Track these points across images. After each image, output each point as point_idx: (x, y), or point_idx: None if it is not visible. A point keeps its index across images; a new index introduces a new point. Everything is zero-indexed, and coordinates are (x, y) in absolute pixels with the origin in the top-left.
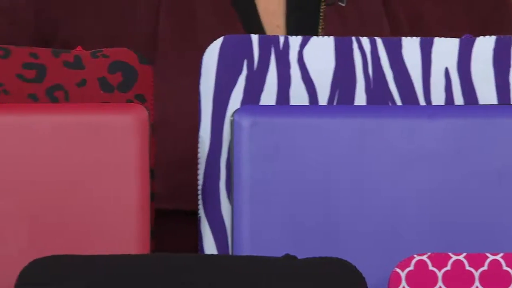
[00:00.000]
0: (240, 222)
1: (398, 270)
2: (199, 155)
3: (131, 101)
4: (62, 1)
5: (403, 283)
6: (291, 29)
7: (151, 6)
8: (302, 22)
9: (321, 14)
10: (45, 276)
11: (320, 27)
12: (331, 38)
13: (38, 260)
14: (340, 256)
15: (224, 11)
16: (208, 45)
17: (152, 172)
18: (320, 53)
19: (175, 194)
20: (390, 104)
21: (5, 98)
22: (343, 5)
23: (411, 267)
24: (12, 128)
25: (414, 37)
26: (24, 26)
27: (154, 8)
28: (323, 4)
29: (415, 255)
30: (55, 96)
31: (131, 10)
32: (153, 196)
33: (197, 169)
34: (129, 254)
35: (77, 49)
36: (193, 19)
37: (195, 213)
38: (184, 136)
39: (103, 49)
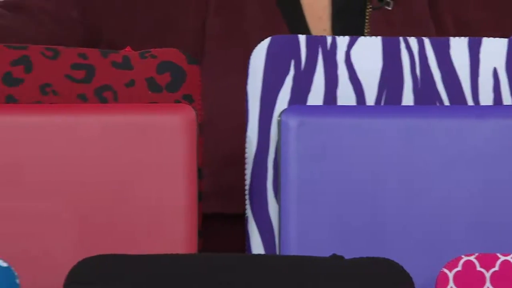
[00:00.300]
0: (287, 222)
1: (445, 270)
2: (246, 155)
3: (179, 102)
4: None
5: (451, 283)
6: (337, 33)
7: (200, 3)
8: (348, 25)
9: (367, 17)
10: (93, 275)
11: (366, 30)
12: (379, 38)
13: (86, 260)
14: (387, 256)
15: (271, 11)
16: (255, 44)
17: (200, 172)
18: (367, 53)
19: (222, 194)
20: (437, 104)
21: (54, 99)
22: (389, 9)
23: (459, 268)
24: (61, 128)
25: (462, 37)
26: (70, 26)
27: (203, 6)
28: (368, 7)
29: (462, 256)
30: (104, 97)
31: (179, 8)
32: (201, 196)
33: (244, 169)
34: (176, 254)
35: (125, 49)
36: (241, 18)
37: (241, 215)
38: (230, 135)
39: (152, 49)
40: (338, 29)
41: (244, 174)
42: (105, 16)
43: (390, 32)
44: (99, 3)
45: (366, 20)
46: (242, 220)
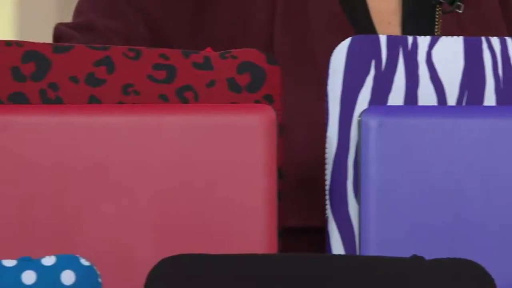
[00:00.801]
0: (367, 222)
1: None
2: (326, 155)
3: (259, 102)
4: (177, 17)
5: None
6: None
7: (267, 16)
8: (419, 30)
9: (437, 21)
10: (173, 275)
11: (436, 34)
12: (460, 38)
13: (167, 259)
14: (468, 257)
15: (337, 17)
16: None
17: (280, 172)
18: (449, 53)
19: (302, 195)
20: None
21: (135, 99)
22: (460, 12)
23: None
24: (142, 129)
25: None
26: (139, 44)
27: (270, 19)
28: (438, 11)
29: None
30: (185, 97)
31: (247, 21)
32: (280, 196)
33: (324, 169)
34: (256, 254)
35: (206, 50)
36: (307, 26)
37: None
38: (300, 147)
39: (232, 50)
40: (408, 34)
41: (324, 175)
42: (173, 33)
43: (462, 35)
44: (167, 20)
45: (436, 24)
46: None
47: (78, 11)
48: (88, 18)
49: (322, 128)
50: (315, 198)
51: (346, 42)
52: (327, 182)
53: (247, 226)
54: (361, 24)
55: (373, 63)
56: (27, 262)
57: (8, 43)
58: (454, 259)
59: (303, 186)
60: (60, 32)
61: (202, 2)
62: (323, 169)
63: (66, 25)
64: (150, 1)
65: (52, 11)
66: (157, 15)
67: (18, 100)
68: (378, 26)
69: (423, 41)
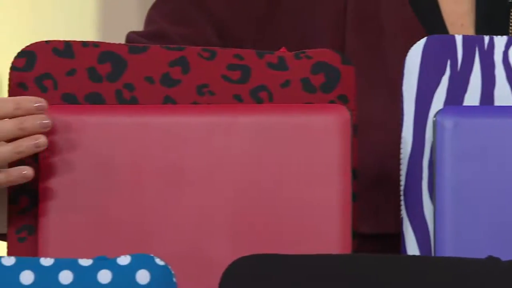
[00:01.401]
0: (442, 223)
1: None
2: (401, 155)
3: (333, 102)
4: (246, 21)
5: None
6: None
7: (338, 21)
8: (493, 31)
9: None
10: (248, 275)
11: (511, 35)
12: None
13: (241, 259)
14: None
15: (409, 19)
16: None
17: (354, 173)
18: None
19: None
20: None
21: (210, 99)
22: None
23: None
24: (218, 129)
25: None
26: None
27: (341, 23)
28: None
29: None
30: (259, 97)
31: (318, 26)
32: (355, 197)
33: (398, 169)
34: (331, 254)
35: (280, 50)
36: (379, 28)
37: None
38: (372, 152)
39: (306, 50)
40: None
41: (399, 175)
42: (241, 37)
43: None
44: (236, 25)
45: (511, 26)
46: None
47: (148, 20)
48: (159, 27)
49: (395, 130)
50: (389, 199)
51: (421, 42)
52: (402, 183)
53: (322, 226)
54: (433, 26)
55: (448, 63)
56: (103, 261)
57: (84, 44)
58: None
59: (377, 187)
60: (132, 41)
61: (271, 6)
62: (397, 170)
63: (137, 33)
64: (219, 6)
65: (134, 13)
66: (226, 20)
67: (94, 100)
68: (450, 28)
69: (500, 41)
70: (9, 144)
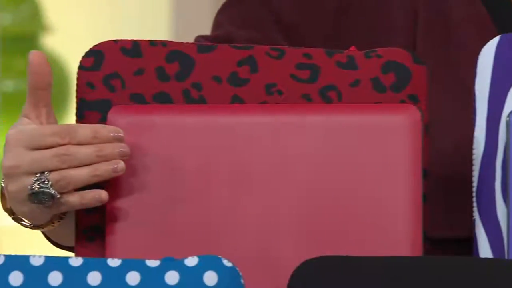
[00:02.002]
0: None
1: None
2: (474, 156)
3: (404, 102)
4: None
5: None
6: None
7: (407, 23)
8: None
9: None
10: (317, 277)
11: None
12: None
13: (310, 261)
14: None
15: (482, 22)
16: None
17: (425, 173)
18: None
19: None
20: None
21: (278, 98)
22: None
23: None
24: (285, 128)
25: None
26: None
27: (411, 25)
28: None
29: None
30: (328, 96)
31: (387, 29)
32: (425, 198)
33: (470, 170)
34: (401, 257)
35: (350, 49)
36: (450, 29)
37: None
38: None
39: (377, 49)
40: None
41: (471, 176)
42: (309, 40)
43: None
44: (304, 28)
45: None
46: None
47: (216, 24)
48: (226, 30)
49: (466, 130)
50: (460, 201)
51: (494, 41)
52: (474, 184)
53: (392, 228)
54: (506, 24)
55: None
56: (170, 263)
57: (152, 43)
58: None
59: (447, 189)
60: None
61: (341, 6)
62: (468, 171)
63: (205, 37)
64: (288, 8)
65: (208, 12)
66: (294, 22)
67: (162, 99)
68: None
69: None
70: (86, 167)
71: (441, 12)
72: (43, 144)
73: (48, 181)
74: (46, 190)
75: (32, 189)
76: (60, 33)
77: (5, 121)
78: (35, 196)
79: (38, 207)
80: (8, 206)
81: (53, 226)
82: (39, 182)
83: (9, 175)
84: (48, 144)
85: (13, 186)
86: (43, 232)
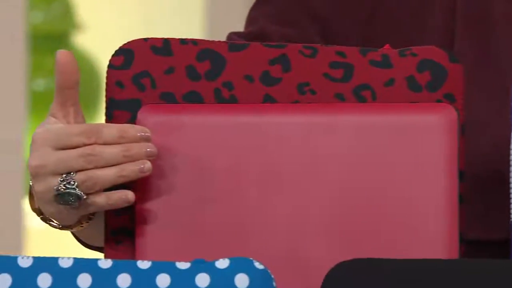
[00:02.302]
0: None
1: None
2: (511, 156)
3: (439, 101)
4: (350, 20)
5: None
6: None
7: (447, 15)
8: None
9: None
10: (350, 280)
11: None
12: None
13: (343, 264)
14: None
15: None
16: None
17: (461, 174)
18: None
19: (485, 198)
20: None
21: (311, 98)
22: None
23: None
24: (318, 128)
25: None
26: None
27: (450, 19)
28: None
29: None
30: (362, 96)
31: (424, 23)
32: (462, 199)
33: (507, 171)
34: (437, 260)
35: (384, 47)
36: (490, 29)
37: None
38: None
39: (412, 47)
40: None
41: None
42: (347, 37)
43: None
44: (340, 25)
45: None
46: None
47: (249, 20)
48: (260, 26)
49: (503, 131)
50: (496, 203)
51: None
52: None
53: (426, 229)
54: None
55: None
56: (201, 265)
57: (183, 41)
58: None
59: (484, 191)
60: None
61: (377, 4)
62: (505, 172)
63: (238, 34)
64: (323, 5)
65: (241, 9)
66: (330, 18)
67: (192, 99)
68: None
69: None
70: (113, 167)
71: (482, 9)
72: (69, 144)
73: (74, 182)
74: (72, 191)
75: (58, 190)
76: (91, 32)
77: (35, 120)
78: (61, 197)
79: (65, 208)
80: (36, 206)
81: (82, 227)
82: (65, 183)
83: (35, 174)
84: (74, 144)
85: (39, 186)
86: (72, 233)
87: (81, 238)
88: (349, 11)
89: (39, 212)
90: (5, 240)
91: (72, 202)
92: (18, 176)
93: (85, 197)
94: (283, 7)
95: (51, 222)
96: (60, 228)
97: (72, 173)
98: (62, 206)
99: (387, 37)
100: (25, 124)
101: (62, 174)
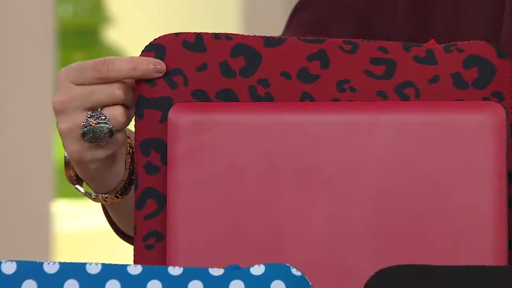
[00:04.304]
0: None
1: None
2: None
3: (487, 99)
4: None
5: None
6: None
7: (494, 3)
8: None
9: None
10: (392, 287)
11: None
12: None
13: (384, 270)
14: None
15: None
16: None
17: (510, 176)
18: None
19: None
20: None
21: (351, 96)
22: None
23: None
24: (359, 128)
25: None
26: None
27: (497, 7)
28: None
29: None
30: (405, 94)
31: (469, 12)
32: (511, 202)
33: None
34: (484, 266)
35: (429, 42)
36: None
37: None
38: None
39: (458, 42)
40: None
41: None
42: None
43: None
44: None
45: None
46: None
47: (285, 29)
48: (294, 34)
49: None
50: None
51: None
52: None
53: (473, 234)
54: None
55: None
56: (235, 271)
57: (216, 36)
58: None
59: None
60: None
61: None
62: None
63: None
64: (359, 4)
65: (278, 10)
66: (367, 18)
67: (226, 97)
68: None
69: None
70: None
71: None
72: (84, 77)
73: (105, 116)
74: (104, 125)
75: (87, 125)
76: (122, 26)
77: None
78: (91, 133)
79: (92, 150)
80: (72, 173)
81: (117, 197)
82: (95, 117)
83: (60, 110)
84: (89, 77)
85: (65, 123)
86: (108, 219)
87: (116, 222)
88: (387, 7)
89: (71, 179)
90: (32, 245)
91: (103, 136)
92: (46, 179)
93: (111, 126)
94: (316, 14)
95: (83, 191)
96: (95, 199)
97: (99, 108)
98: (87, 145)
99: (431, 26)
100: (54, 124)
101: (89, 110)
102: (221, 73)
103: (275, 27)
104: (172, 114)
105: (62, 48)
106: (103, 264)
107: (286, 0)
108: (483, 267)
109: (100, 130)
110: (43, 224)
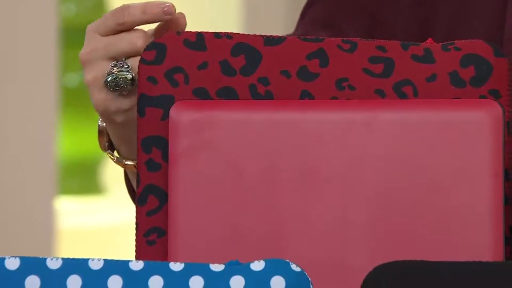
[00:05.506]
0: None
1: None
2: None
3: (484, 97)
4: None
5: None
6: None
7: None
8: None
9: None
10: (390, 283)
11: None
12: None
13: (382, 266)
14: None
15: None
16: None
17: (507, 174)
18: None
19: None
20: None
21: (350, 94)
22: None
23: None
24: (357, 126)
25: None
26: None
27: (500, 4)
28: None
29: None
30: (403, 92)
31: (471, 9)
32: (507, 200)
33: None
34: (481, 262)
35: (427, 41)
36: None
37: None
38: None
39: (455, 41)
40: None
41: None
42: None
43: None
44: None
45: None
46: None
47: (296, 27)
48: (304, 31)
49: None
50: None
51: None
52: None
53: (470, 231)
54: None
55: None
56: (235, 267)
57: (217, 35)
58: None
59: None
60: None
61: None
62: None
63: None
64: (366, 1)
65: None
66: (373, 14)
67: (227, 95)
68: None
69: None
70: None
71: None
72: (105, 27)
73: (127, 65)
74: (126, 73)
75: (111, 73)
76: None
77: (67, 117)
78: (114, 81)
79: (117, 100)
80: (106, 139)
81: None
82: (118, 66)
83: (86, 61)
84: (110, 26)
85: (91, 72)
86: (129, 189)
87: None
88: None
89: (104, 146)
90: (36, 241)
91: (125, 84)
92: (49, 176)
93: (133, 74)
94: (325, 10)
95: (122, 162)
96: (126, 165)
97: (124, 59)
98: (111, 94)
99: (432, 27)
100: (56, 121)
101: (113, 60)
102: (221, 72)
103: (275, 26)
104: (173, 112)
105: (65, 46)
106: (105, 260)
107: (286, 0)
108: (480, 262)
109: (123, 78)
110: (46, 221)
